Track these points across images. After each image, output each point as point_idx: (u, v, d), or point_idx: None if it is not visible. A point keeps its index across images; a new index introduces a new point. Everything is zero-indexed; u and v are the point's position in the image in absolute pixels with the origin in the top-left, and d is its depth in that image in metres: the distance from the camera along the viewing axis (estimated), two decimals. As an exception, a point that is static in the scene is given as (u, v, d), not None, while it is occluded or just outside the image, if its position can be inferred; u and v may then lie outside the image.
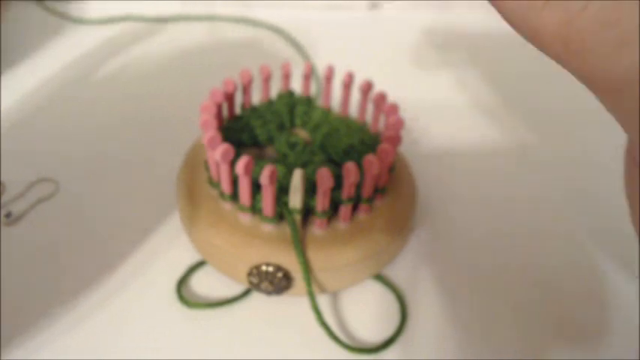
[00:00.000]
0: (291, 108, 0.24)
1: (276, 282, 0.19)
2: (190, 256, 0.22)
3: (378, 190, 0.20)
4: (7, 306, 0.20)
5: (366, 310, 0.21)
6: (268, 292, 0.20)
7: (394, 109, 0.21)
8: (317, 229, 0.20)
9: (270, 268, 0.19)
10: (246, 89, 0.23)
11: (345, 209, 0.19)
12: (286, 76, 0.24)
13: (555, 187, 0.26)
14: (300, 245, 0.19)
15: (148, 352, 0.19)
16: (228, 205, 0.20)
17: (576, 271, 0.23)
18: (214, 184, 0.20)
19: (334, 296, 0.21)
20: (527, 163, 0.29)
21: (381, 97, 0.22)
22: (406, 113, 0.30)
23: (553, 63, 0.13)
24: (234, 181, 0.19)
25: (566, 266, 0.23)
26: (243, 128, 0.23)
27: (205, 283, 0.21)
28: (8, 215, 0.23)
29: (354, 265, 0.20)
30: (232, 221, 0.20)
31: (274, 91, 0.24)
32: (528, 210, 0.26)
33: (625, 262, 0.23)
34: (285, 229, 0.19)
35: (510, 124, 0.21)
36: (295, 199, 0.19)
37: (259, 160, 0.21)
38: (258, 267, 0.19)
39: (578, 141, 0.30)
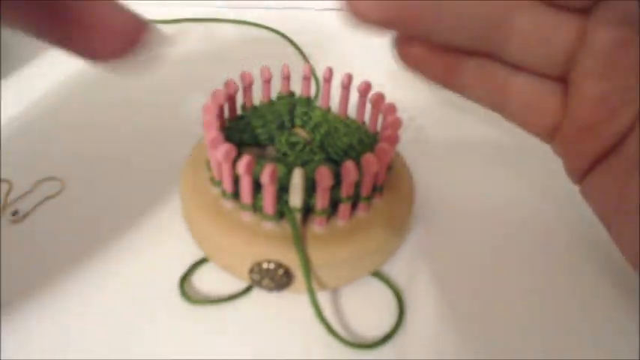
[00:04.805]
0: (291, 108, 0.24)
1: (277, 279, 0.20)
2: (193, 254, 0.22)
3: (377, 189, 0.21)
4: (9, 303, 0.20)
5: (364, 307, 0.21)
6: (269, 289, 0.20)
7: (392, 108, 0.21)
8: (317, 227, 0.20)
9: (271, 266, 0.19)
10: (247, 90, 0.23)
11: (344, 207, 0.20)
12: (286, 78, 0.24)
13: (556, 186, 0.27)
14: (300, 243, 0.19)
15: (152, 347, 0.19)
16: (229, 204, 0.20)
17: (577, 270, 0.23)
18: (216, 183, 0.21)
19: (334, 293, 0.22)
20: (526, 162, 0.29)
21: (380, 97, 0.22)
22: (405, 113, 0.30)
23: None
24: (236, 180, 0.19)
25: (566, 265, 0.23)
26: (244, 128, 0.23)
27: (208, 280, 0.22)
28: (15, 213, 0.23)
29: (353, 262, 0.20)
30: (234, 219, 0.20)
31: (275, 92, 0.25)
32: (528, 209, 0.26)
33: (626, 264, 0.23)
34: (286, 227, 0.20)
35: (509, 123, 0.22)
36: (295, 198, 0.19)
37: (260, 159, 0.21)
38: (259, 264, 0.19)
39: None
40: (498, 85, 0.20)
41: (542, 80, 0.20)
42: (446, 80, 0.20)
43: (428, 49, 0.19)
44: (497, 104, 0.21)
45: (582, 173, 0.21)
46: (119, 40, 0.15)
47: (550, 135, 0.21)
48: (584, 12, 0.17)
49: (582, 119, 0.19)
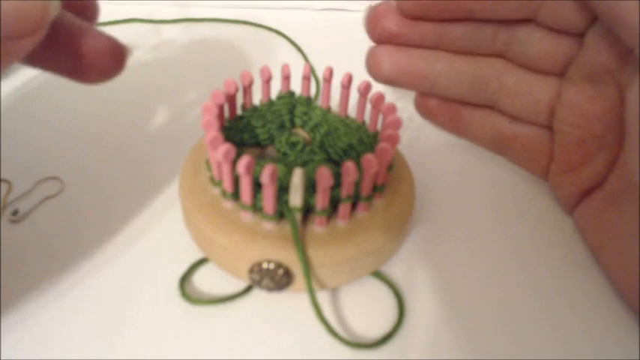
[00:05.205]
0: (291, 108, 0.24)
1: (277, 279, 0.20)
2: (193, 254, 0.22)
3: (377, 189, 0.21)
4: (9, 304, 0.20)
5: (364, 307, 0.21)
6: (269, 289, 0.20)
7: (392, 108, 0.21)
8: (317, 226, 0.20)
9: (271, 266, 0.19)
10: (247, 90, 0.23)
11: (344, 207, 0.20)
12: (286, 77, 0.24)
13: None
14: (300, 243, 0.19)
15: (152, 347, 0.19)
16: (229, 204, 0.20)
17: (579, 270, 0.23)
18: (216, 183, 0.21)
19: (333, 293, 0.22)
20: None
21: (380, 97, 0.22)
22: (405, 113, 0.30)
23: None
24: (236, 180, 0.19)
25: (568, 265, 0.23)
26: (244, 128, 0.23)
27: (207, 280, 0.22)
28: (15, 213, 0.23)
29: (353, 262, 0.20)
30: (234, 219, 0.20)
31: (274, 91, 0.25)
32: (529, 209, 0.26)
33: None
34: (286, 227, 0.20)
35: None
36: (295, 198, 0.19)
37: (260, 159, 0.21)
38: (259, 264, 0.19)
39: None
40: (500, 133, 0.24)
41: (534, 128, 0.23)
42: (456, 128, 0.25)
43: (440, 103, 0.24)
44: (500, 150, 0.25)
45: (572, 206, 0.24)
46: (105, 63, 0.18)
47: (544, 175, 0.25)
48: (560, 74, 0.22)
49: (564, 162, 0.23)
